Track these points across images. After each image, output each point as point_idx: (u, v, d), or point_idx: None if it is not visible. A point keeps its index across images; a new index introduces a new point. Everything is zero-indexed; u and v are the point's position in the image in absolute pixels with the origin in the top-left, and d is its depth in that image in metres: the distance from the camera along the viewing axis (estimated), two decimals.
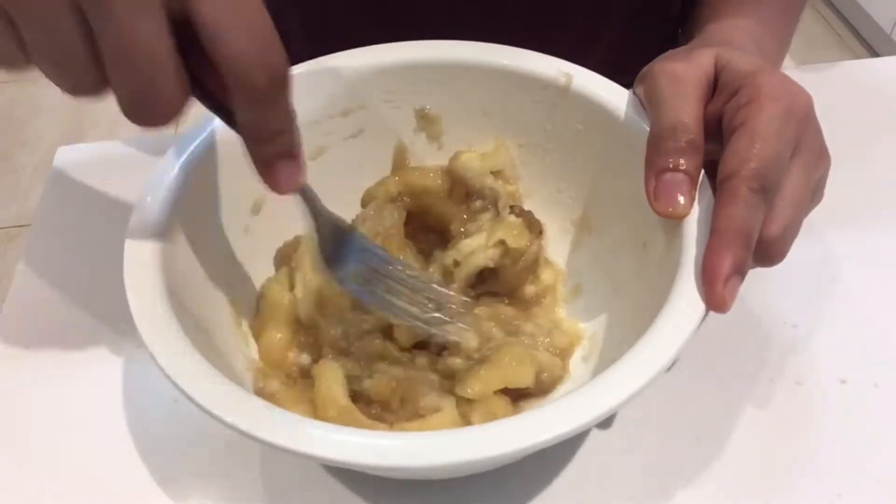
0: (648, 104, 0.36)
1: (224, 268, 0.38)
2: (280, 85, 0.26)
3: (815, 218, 0.45)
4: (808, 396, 0.39)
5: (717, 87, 0.35)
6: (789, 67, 0.56)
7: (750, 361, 0.40)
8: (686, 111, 0.33)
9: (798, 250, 0.42)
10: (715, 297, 0.30)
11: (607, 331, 0.39)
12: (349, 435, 0.27)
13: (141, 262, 0.32)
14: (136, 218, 0.34)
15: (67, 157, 0.53)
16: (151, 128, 0.26)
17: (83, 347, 0.42)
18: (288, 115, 0.28)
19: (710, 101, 0.35)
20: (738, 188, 0.31)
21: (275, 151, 0.29)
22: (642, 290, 0.36)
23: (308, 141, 0.42)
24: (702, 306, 0.30)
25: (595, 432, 0.38)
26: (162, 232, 0.34)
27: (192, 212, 0.36)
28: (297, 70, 0.41)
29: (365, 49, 0.42)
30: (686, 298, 0.30)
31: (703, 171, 0.34)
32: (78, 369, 0.41)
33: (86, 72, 0.25)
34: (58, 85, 0.26)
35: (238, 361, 0.36)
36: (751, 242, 0.31)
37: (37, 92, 1.79)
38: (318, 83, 0.41)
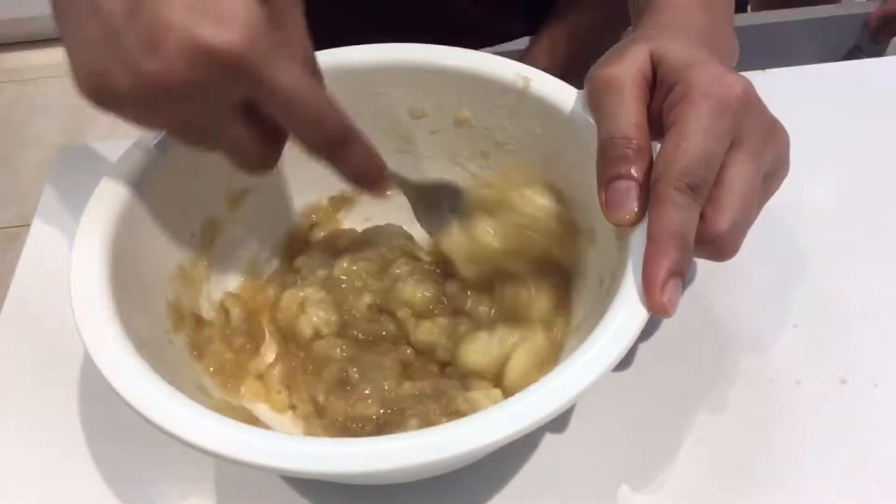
0: (592, 113, 0.36)
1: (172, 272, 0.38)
2: (343, 141, 0.32)
3: (814, 217, 0.45)
4: (808, 396, 0.39)
5: (656, 82, 0.35)
6: (789, 67, 0.56)
7: (750, 361, 0.40)
8: (624, 117, 0.33)
9: (797, 250, 0.42)
10: (654, 303, 0.30)
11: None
12: (306, 445, 0.27)
13: (87, 274, 0.32)
14: (85, 219, 0.34)
15: (67, 157, 0.53)
16: (262, 175, 0.34)
17: (83, 347, 0.41)
18: (363, 149, 0.33)
19: (652, 98, 0.35)
20: (664, 191, 0.31)
21: (361, 172, 0.34)
22: (594, 295, 0.36)
23: None
24: (643, 312, 0.30)
25: (591, 431, 0.38)
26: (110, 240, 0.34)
27: (142, 215, 0.36)
28: None
29: (325, 52, 0.41)
30: (627, 305, 0.30)
31: None
32: (78, 368, 0.41)
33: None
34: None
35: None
36: (685, 243, 0.30)
37: (37, 92, 1.78)
38: None
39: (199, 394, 0.34)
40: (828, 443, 0.37)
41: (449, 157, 0.44)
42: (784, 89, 0.53)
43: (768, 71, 0.55)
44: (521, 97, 0.40)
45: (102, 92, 0.29)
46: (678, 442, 0.37)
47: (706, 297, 0.43)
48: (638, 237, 0.32)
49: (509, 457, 0.37)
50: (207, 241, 0.40)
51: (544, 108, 0.39)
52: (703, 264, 0.44)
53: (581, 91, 0.38)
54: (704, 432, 0.37)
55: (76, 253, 0.33)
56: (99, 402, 0.39)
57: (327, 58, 0.41)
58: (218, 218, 0.41)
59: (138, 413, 0.28)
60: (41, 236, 0.48)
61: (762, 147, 0.33)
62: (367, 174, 0.34)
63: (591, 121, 0.36)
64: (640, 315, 0.30)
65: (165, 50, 0.27)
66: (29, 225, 0.49)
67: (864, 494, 0.35)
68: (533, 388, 0.28)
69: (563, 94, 0.39)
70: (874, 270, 0.44)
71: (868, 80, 0.56)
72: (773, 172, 0.34)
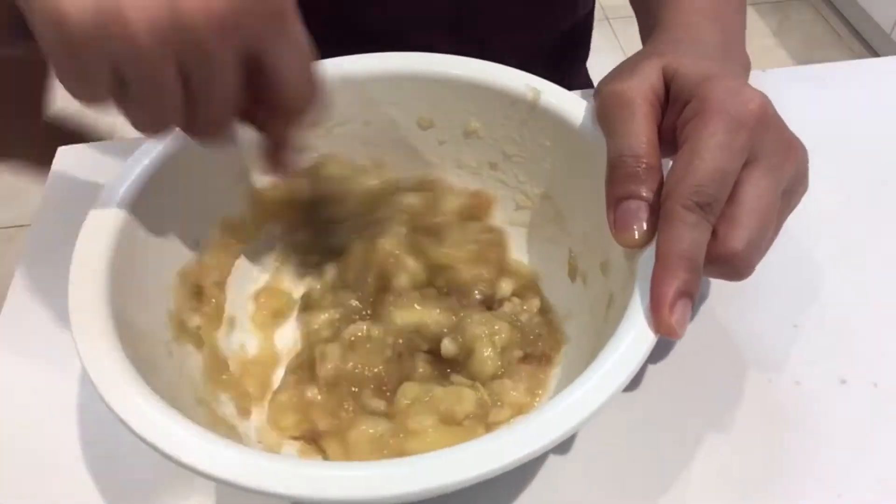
0: (601, 130, 0.35)
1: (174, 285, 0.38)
2: (314, 111, 0.33)
3: (814, 218, 0.45)
4: (808, 396, 0.39)
5: (670, 98, 0.34)
6: (789, 67, 0.56)
7: (750, 361, 0.40)
8: (634, 135, 0.33)
9: (798, 250, 0.42)
10: (662, 324, 0.29)
11: (564, 352, 0.39)
12: (304, 468, 0.27)
13: (86, 285, 0.32)
14: (87, 225, 0.34)
15: (67, 157, 0.53)
16: (201, 142, 0.32)
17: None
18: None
19: (664, 115, 0.34)
20: (673, 209, 0.30)
21: (289, 152, 0.36)
22: (601, 312, 0.36)
23: None
24: (651, 335, 0.30)
25: (591, 429, 0.38)
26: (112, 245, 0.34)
27: (144, 224, 0.36)
28: None
29: (327, 61, 0.41)
30: (635, 328, 0.30)
31: None
32: (77, 368, 0.41)
33: (171, 115, 0.30)
34: (133, 122, 0.30)
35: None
36: (695, 263, 0.30)
37: None
38: None
39: (196, 406, 0.34)
40: (828, 443, 0.37)
41: (457, 167, 0.44)
42: (784, 89, 0.53)
43: (769, 71, 0.55)
44: (531, 109, 0.39)
45: (111, 24, 0.26)
46: (677, 442, 0.37)
47: (706, 298, 0.43)
48: (647, 257, 0.31)
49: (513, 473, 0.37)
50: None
51: (554, 121, 0.39)
52: None
53: (593, 104, 0.37)
54: (704, 432, 0.37)
55: (76, 261, 0.33)
56: (98, 402, 0.39)
57: (336, 67, 0.41)
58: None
59: (141, 438, 0.28)
60: (41, 236, 0.48)
61: (780, 163, 0.32)
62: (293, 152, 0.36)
63: (603, 136, 0.35)
64: (647, 338, 0.29)
65: None
66: (29, 225, 0.49)
67: (864, 494, 0.35)
68: (538, 412, 0.28)
69: (574, 108, 0.38)
70: (874, 270, 0.44)
71: (868, 79, 0.56)
72: (791, 189, 0.33)
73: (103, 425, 0.39)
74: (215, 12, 0.27)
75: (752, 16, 1.96)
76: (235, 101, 0.31)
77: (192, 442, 0.28)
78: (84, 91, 0.29)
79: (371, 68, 0.41)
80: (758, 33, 1.92)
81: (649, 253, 0.31)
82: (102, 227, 0.34)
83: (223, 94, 0.30)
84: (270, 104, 0.32)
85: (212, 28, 0.27)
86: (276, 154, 0.36)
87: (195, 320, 0.38)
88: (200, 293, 0.39)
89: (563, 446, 0.37)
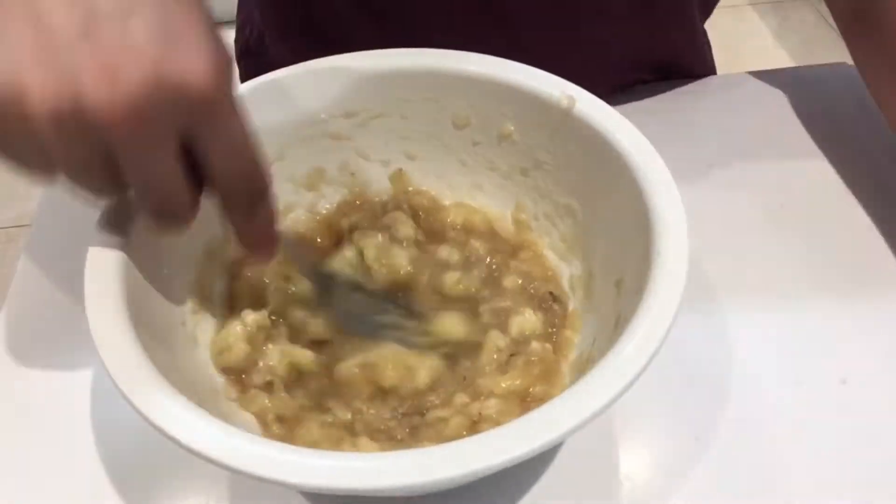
0: None
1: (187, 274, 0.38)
2: (260, 198, 0.31)
3: (814, 217, 0.45)
4: (808, 396, 0.39)
5: None
6: (788, 67, 0.56)
7: (750, 361, 0.40)
8: None
9: (798, 250, 0.42)
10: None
11: (577, 357, 0.38)
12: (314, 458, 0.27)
13: (102, 275, 0.32)
14: (100, 224, 0.34)
15: None
16: (173, 232, 0.31)
17: (84, 347, 0.41)
18: (268, 214, 0.32)
19: None
20: None
21: (256, 238, 0.33)
22: (608, 329, 0.36)
23: (309, 140, 0.43)
24: (648, 352, 0.29)
25: (592, 431, 0.38)
26: (125, 240, 0.34)
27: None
28: (306, 67, 0.41)
29: (370, 53, 0.41)
30: (632, 344, 0.30)
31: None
32: (78, 369, 0.41)
33: (110, 191, 0.29)
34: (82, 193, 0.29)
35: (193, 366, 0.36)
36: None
37: None
38: (326, 81, 0.41)
39: (206, 380, 0.35)
40: (828, 443, 0.37)
41: (489, 170, 0.44)
42: (784, 89, 0.53)
43: (768, 71, 0.55)
44: (564, 117, 0.39)
45: (8, 104, 0.25)
46: (677, 442, 0.37)
47: (706, 297, 0.43)
48: (659, 277, 0.31)
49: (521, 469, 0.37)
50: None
51: (586, 132, 0.38)
52: (704, 268, 0.44)
53: (626, 119, 0.37)
54: (704, 432, 0.37)
55: (97, 231, 0.33)
56: (100, 400, 0.39)
57: (376, 60, 0.41)
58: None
59: (160, 429, 0.29)
60: (41, 236, 0.48)
61: None
62: (264, 237, 0.33)
63: (633, 151, 0.35)
64: (643, 357, 0.29)
65: (125, 79, 0.24)
66: (29, 225, 0.49)
67: (864, 494, 0.35)
68: (519, 420, 0.28)
69: (608, 120, 0.38)
70: (875, 270, 0.44)
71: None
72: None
73: (104, 423, 0.39)
74: (119, 109, 0.25)
75: (752, 16, 1.97)
76: (182, 186, 0.29)
77: (206, 431, 0.28)
78: (16, 164, 0.27)
79: (411, 64, 0.41)
80: (758, 33, 1.92)
81: (661, 273, 0.31)
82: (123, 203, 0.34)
83: (162, 182, 0.28)
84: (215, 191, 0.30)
85: (118, 124, 0.25)
86: (243, 238, 0.33)
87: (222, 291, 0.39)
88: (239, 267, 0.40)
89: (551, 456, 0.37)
